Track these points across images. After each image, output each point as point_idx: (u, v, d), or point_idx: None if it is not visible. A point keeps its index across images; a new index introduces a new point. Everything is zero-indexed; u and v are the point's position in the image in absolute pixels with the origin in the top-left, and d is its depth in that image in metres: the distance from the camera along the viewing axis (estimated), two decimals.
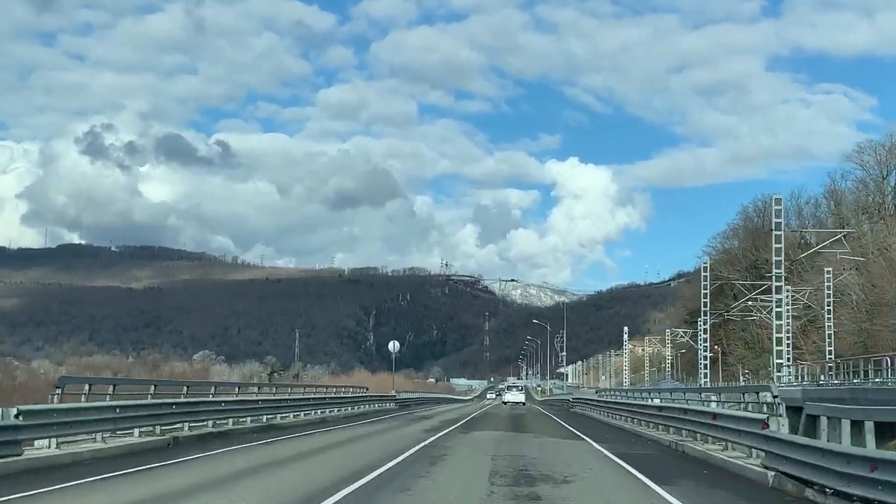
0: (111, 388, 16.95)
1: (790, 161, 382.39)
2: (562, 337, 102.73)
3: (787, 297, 45.76)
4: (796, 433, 11.78)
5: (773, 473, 11.60)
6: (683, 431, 19.13)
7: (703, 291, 55.78)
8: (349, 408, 36.01)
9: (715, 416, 15.98)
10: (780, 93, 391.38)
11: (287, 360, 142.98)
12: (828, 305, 46.32)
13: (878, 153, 61.81)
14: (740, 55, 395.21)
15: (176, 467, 13.22)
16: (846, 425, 10.20)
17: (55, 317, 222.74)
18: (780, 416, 12.73)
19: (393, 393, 51.62)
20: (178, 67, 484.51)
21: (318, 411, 30.48)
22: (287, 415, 26.57)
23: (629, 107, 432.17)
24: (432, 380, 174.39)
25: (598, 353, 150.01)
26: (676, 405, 20.98)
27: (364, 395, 42.52)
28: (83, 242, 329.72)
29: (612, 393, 43.13)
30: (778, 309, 39.61)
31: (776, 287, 39.25)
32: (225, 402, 21.88)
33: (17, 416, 12.30)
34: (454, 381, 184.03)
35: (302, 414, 28.25)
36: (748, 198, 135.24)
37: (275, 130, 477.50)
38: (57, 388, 14.87)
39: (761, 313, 59.08)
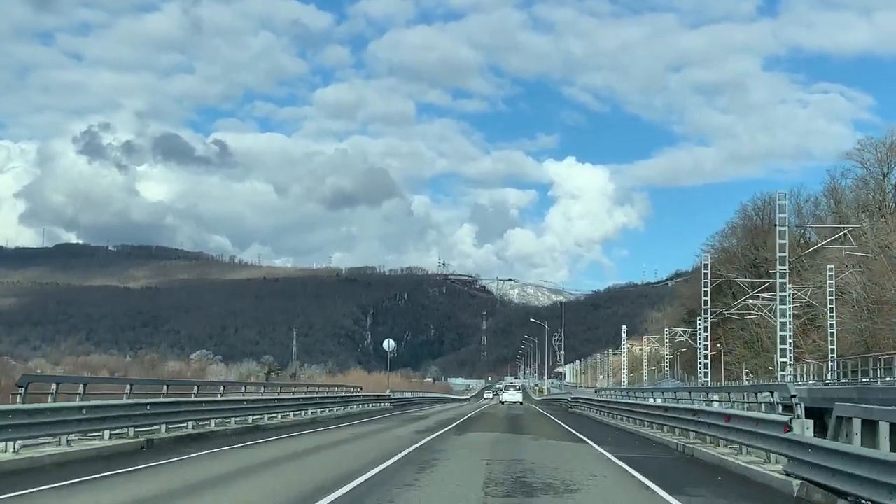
0: (81, 387, 15.87)
1: (788, 160, 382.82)
2: (559, 336, 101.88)
3: (789, 294, 44.82)
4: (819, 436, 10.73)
5: (798, 482, 10.47)
6: (691, 433, 18.08)
7: (703, 289, 54.82)
8: (342, 408, 35.08)
9: (728, 417, 14.84)
10: (778, 92, 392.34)
11: (284, 360, 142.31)
12: (830, 304, 45.50)
13: (878, 151, 61.29)
14: (739, 54, 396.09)
15: (143, 473, 12.18)
16: (884, 428, 9.09)
17: (52, 316, 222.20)
18: (800, 417, 11.68)
19: (388, 392, 50.60)
20: (176, 67, 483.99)
21: (309, 412, 29.53)
22: (275, 416, 25.53)
23: (627, 106, 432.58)
24: (430, 379, 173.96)
25: (596, 353, 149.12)
26: (683, 405, 19.95)
27: (356, 394, 41.46)
28: (80, 242, 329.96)
29: (612, 392, 42.07)
30: (782, 306, 38.52)
31: (779, 284, 38.20)
32: (206, 402, 20.84)
33: None
34: (452, 380, 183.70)
35: (291, 415, 27.29)
36: (746, 197, 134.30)
37: (272, 130, 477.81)
38: (19, 387, 13.90)
39: (761, 312, 58.22)
